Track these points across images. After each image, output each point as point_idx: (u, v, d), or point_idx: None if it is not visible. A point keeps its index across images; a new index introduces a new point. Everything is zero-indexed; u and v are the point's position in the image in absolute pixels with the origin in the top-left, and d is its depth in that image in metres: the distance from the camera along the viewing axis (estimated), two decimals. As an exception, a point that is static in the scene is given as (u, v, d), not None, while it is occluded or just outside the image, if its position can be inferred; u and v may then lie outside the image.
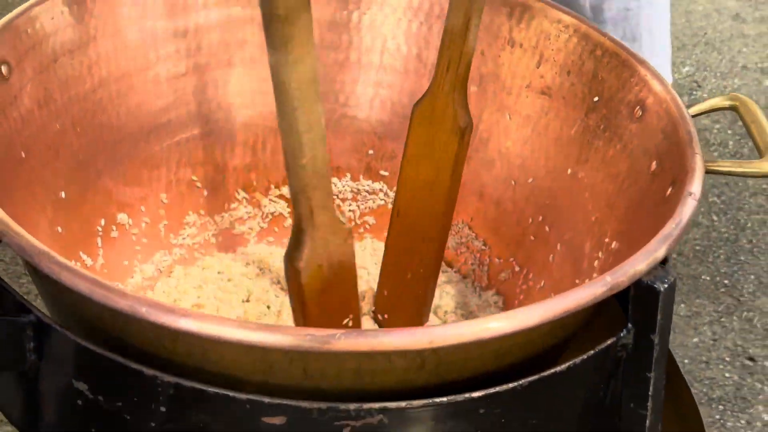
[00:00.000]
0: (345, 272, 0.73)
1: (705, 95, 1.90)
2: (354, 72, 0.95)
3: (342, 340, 0.56)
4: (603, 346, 0.64)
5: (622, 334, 0.65)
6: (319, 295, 0.73)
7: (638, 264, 0.63)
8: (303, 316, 0.72)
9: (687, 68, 2.03)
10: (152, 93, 0.90)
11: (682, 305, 1.41)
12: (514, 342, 0.62)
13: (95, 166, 0.87)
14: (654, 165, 0.76)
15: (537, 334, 0.63)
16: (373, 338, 0.57)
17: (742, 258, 1.52)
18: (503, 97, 0.91)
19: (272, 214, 0.97)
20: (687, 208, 0.68)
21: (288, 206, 0.97)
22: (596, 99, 0.84)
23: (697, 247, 1.54)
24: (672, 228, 0.66)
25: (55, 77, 0.82)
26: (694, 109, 0.79)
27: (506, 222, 0.92)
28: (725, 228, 1.58)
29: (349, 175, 0.97)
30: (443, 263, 0.95)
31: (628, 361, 0.66)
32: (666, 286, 0.63)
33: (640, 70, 0.80)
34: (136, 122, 0.89)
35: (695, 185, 0.69)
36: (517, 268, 0.91)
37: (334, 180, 0.97)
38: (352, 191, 0.98)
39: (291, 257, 0.71)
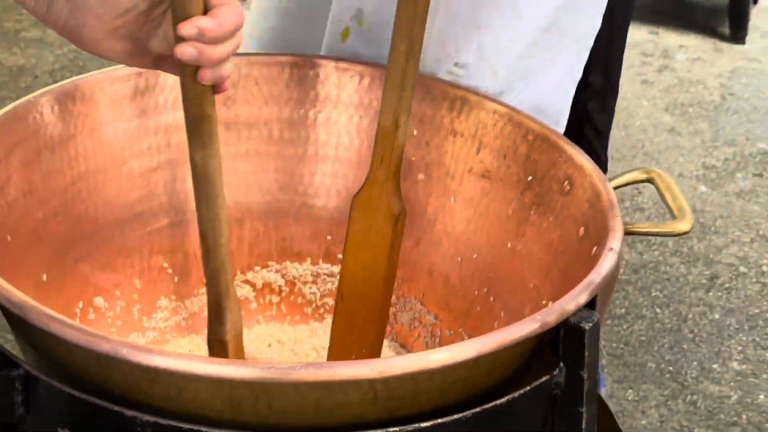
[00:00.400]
0: (241, 342, 0.80)
1: (645, 200, 2.02)
2: (312, 165, 1.04)
3: (303, 371, 0.63)
4: (538, 382, 0.72)
5: (555, 373, 0.73)
6: None
7: (565, 305, 0.71)
8: None
9: (628, 176, 2.15)
10: (126, 186, 0.98)
11: (630, 390, 1.48)
12: (457, 377, 0.69)
13: (74, 252, 0.94)
14: (582, 231, 0.85)
15: (478, 371, 0.70)
16: (330, 369, 0.64)
17: (685, 346, 1.60)
18: (448, 182, 1.00)
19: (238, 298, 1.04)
20: (608, 261, 0.76)
21: (253, 290, 1.05)
22: (530, 178, 0.93)
23: (642, 338, 1.62)
24: (594, 276, 0.74)
25: (38, 170, 0.90)
26: (614, 183, 0.88)
27: (455, 296, 0.99)
28: (668, 320, 1.67)
29: (309, 259, 1.05)
30: (397, 343, 1.03)
31: (562, 398, 0.73)
32: (591, 324, 0.71)
33: (567, 149, 0.90)
34: (111, 213, 0.97)
35: (615, 242, 0.78)
36: (466, 338, 0.98)
37: (295, 264, 1.05)
38: (312, 275, 1.05)
39: (216, 334, 0.77)
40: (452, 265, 1.00)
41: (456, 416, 0.68)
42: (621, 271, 1.77)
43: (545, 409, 0.74)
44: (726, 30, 2.84)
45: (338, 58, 1.03)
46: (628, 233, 0.82)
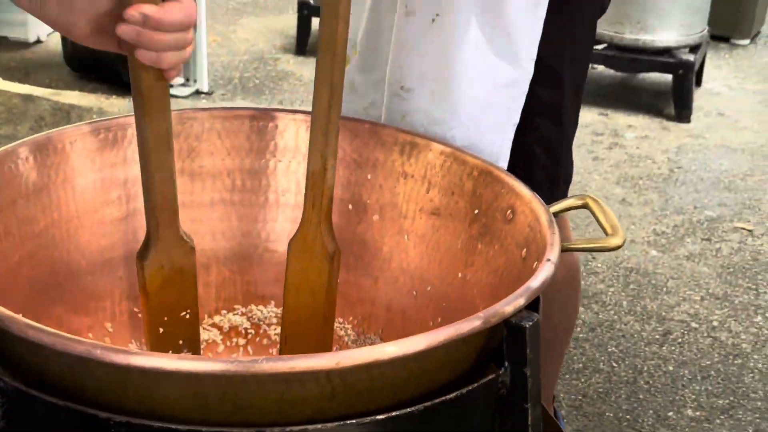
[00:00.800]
0: (185, 276, 0.94)
1: (599, 265, 2.09)
2: (273, 211, 1.10)
3: (264, 364, 0.68)
4: (485, 379, 0.77)
5: (501, 372, 0.78)
6: (160, 287, 0.94)
7: (505, 306, 0.77)
8: (146, 302, 0.93)
9: (582, 244, 2.23)
10: (98, 233, 1.03)
11: (590, 438, 1.53)
12: (411, 373, 0.74)
13: (48, 295, 0.99)
14: (524, 252, 0.92)
15: (429, 367, 0.75)
16: (289, 361, 0.69)
17: (641, 396, 1.65)
18: (401, 221, 1.06)
19: (206, 341, 1.09)
20: (545, 270, 0.82)
21: (220, 333, 1.09)
22: (476, 211, 1.00)
23: (600, 390, 1.67)
24: (533, 282, 0.80)
25: (14, 216, 0.96)
26: (552, 209, 0.95)
27: (412, 328, 1.05)
28: (624, 372, 1.72)
29: (273, 302, 1.10)
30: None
31: (508, 396, 0.79)
32: (531, 323, 0.77)
33: (509, 181, 0.97)
34: (83, 258, 1.02)
35: (553, 254, 0.84)
36: (422, 367, 1.03)
37: (260, 307, 1.10)
38: (276, 317, 1.10)
39: (140, 255, 0.93)
40: (408, 299, 1.05)
41: (409, 409, 0.73)
42: (578, 329, 1.83)
43: (493, 407, 0.79)
44: (671, 110, 2.96)
45: (294, 111, 1.10)
46: (565, 250, 0.88)
